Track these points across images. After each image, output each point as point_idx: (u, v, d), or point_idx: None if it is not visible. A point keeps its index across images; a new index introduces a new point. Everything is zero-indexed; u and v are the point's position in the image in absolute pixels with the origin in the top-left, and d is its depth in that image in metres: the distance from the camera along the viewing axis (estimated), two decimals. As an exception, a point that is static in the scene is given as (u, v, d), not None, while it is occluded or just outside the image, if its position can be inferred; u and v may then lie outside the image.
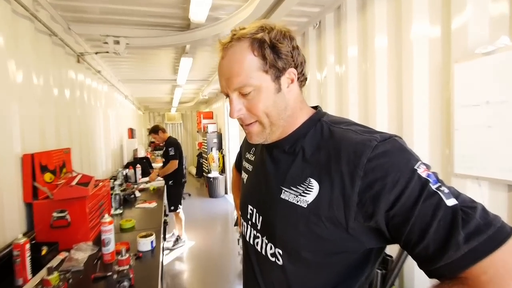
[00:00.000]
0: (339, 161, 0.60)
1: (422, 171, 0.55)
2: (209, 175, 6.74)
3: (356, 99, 2.04)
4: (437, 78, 1.46)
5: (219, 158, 7.11)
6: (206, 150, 7.33)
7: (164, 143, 4.11)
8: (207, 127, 7.39)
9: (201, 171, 8.33)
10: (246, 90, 0.65)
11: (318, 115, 0.72)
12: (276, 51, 0.65)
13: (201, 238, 4.42)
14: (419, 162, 0.56)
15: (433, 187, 0.54)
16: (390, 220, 0.56)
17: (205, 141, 7.38)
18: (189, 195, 6.92)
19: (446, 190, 0.55)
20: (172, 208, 4.01)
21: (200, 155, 8.50)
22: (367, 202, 0.57)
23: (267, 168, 0.76)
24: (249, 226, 0.79)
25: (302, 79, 0.71)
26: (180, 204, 4.11)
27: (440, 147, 1.47)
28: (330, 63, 2.32)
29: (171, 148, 3.93)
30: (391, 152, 0.57)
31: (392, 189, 0.55)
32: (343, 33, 2.12)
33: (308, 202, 0.63)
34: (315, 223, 0.62)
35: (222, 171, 7.02)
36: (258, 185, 0.78)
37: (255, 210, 0.77)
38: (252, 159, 0.86)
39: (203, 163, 7.93)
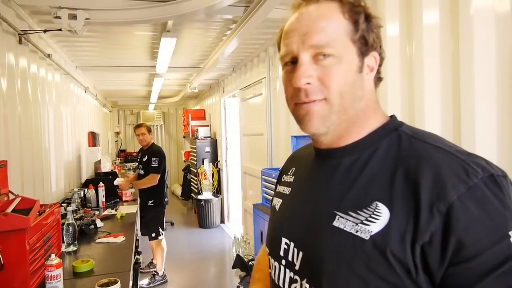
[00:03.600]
0: (420, 185, 0.62)
1: None
2: (200, 196, 6.78)
3: (396, 94, 2.04)
4: (506, 67, 1.45)
5: (213, 174, 7.14)
6: (195, 163, 7.39)
7: (146, 149, 4.46)
8: (197, 131, 7.46)
9: (188, 191, 8.37)
10: (327, 51, 0.69)
11: (394, 123, 0.76)
12: (369, 21, 0.72)
13: (187, 285, 4.42)
14: None
15: None
16: (446, 277, 0.59)
17: (194, 150, 7.44)
18: (172, 224, 6.95)
19: None
20: (154, 235, 4.33)
21: (187, 169, 8.56)
22: (434, 246, 0.59)
23: (316, 186, 0.79)
24: (282, 267, 0.80)
25: (380, 72, 0.78)
26: (163, 229, 4.42)
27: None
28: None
29: (155, 159, 4.23)
30: (490, 202, 0.58)
31: (468, 246, 0.57)
32: (381, 4, 2.12)
33: (372, 233, 0.64)
34: (380, 263, 0.63)
35: (217, 191, 7.05)
36: (298, 210, 0.80)
37: (292, 244, 0.78)
38: (291, 180, 0.90)
39: (192, 180, 7.97)
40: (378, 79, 0.78)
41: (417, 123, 1.87)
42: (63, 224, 2.36)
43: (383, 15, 2.10)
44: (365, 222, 0.65)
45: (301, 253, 0.75)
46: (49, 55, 3.45)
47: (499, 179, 0.60)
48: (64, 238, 2.36)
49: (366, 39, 0.71)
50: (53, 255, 1.52)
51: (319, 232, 0.72)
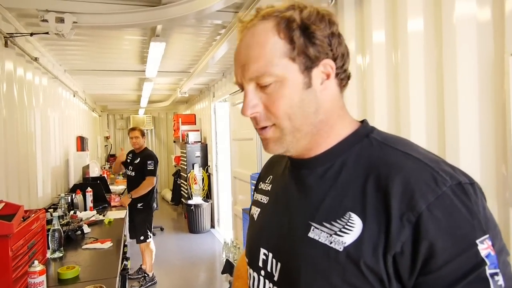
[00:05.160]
0: (390, 194, 0.62)
1: (483, 248, 0.57)
2: (190, 201, 6.76)
3: (383, 100, 2.06)
4: (488, 74, 1.49)
5: (203, 179, 7.13)
6: (185, 168, 7.37)
7: (139, 152, 4.55)
8: (187, 136, 7.44)
9: (178, 196, 8.34)
10: (266, 80, 0.68)
11: (365, 129, 0.76)
12: (308, 34, 0.68)
13: (176, 291, 4.40)
14: (486, 236, 0.58)
15: (488, 272, 0.56)
16: (416, 287, 0.60)
17: (185, 155, 7.42)
18: (162, 229, 6.91)
19: (501, 282, 0.57)
20: (142, 238, 4.42)
21: (177, 174, 8.52)
22: (405, 256, 0.60)
23: (291, 196, 0.78)
24: (261, 278, 0.79)
25: (343, 76, 0.74)
26: (151, 232, 4.51)
27: (494, 165, 1.50)
28: (349, 52, 2.35)
29: (150, 162, 4.37)
30: (458, 210, 0.59)
31: (437, 255, 0.58)
32: (367, 12, 2.16)
33: (346, 245, 0.64)
34: (354, 274, 0.63)
35: (208, 196, 7.04)
36: (276, 220, 0.79)
37: (271, 254, 0.77)
38: (268, 188, 0.89)
39: (182, 185, 7.95)
40: (342, 80, 0.75)
41: (403, 128, 1.90)
42: (48, 230, 2.35)
43: (370, 22, 2.13)
44: (338, 233, 0.65)
45: (279, 264, 0.74)
46: (36, 59, 3.42)
47: (466, 187, 0.61)
48: (50, 244, 2.34)
49: (306, 53, 0.68)
50: (36, 262, 1.51)
51: (295, 243, 0.72)
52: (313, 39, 0.68)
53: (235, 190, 5.63)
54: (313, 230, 0.69)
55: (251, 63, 0.69)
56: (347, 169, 0.71)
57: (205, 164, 7.25)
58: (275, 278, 0.75)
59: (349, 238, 0.64)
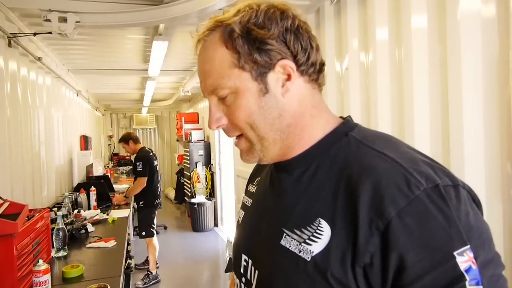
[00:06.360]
0: (358, 199, 0.57)
1: (463, 261, 0.51)
2: (193, 200, 6.76)
3: (386, 97, 2.06)
4: (492, 71, 1.48)
5: (206, 177, 7.13)
6: (188, 166, 7.37)
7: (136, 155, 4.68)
8: (190, 134, 7.44)
9: (181, 194, 8.35)
10: (221, 93, 0.67)
11: (345, 127, 0.70)
12: (252, 40, 0.64)
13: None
14: (466, 247, 0.52)
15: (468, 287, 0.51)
16: None
17: (188, 154, 7.42)
18: (165, 227, 6.92)
19: None
20: (144, 233, 4.54)
21: (180, 173, 8.54)
22: (374, 268, 0.55)
23: (269, 200, 0.75)
24: (242, 285, 0.76)
25: (310, 72, 0.68)
26: (153, 228, 4.61)
27: (499, 162, 1.49)
28: (353, 49, 2.35)
29: (139, 163, 4.47)
30: (433, 217, 0.53)
31: (409, 269, 0.53)
32: (370, 9, 2.15)
33: (313, 254, 0.60)
34: (323, 286, 0.58)
35: (211, 195, 7.04)
36: (255, 225, 0.77)
37: (250, 261, 0.74)
38: (253, 190, 0.86)
39: (185, 183, 7.96)
40: (310, 75, 0.69)
41: (406, 126, 1.89)
42: (53, 229, 2.35)
43: (373, 19, 2.12)
44: (307, 241, 0.61)
45: (257, 272, 0.71)
46: (39, 58, 3.43)
47: (445, 190, 0.55)
48: (54, 243, 2.34)
49: (253, 61, 0.64)
50: (41, 261, 1.52)
51: (269, 251, 0.68)
52: (258, 44, 0.64)
53: (238, 189, 5.63)
54: (285, 237, 0.65)
55: (206, 78, 0.68)
56: (323, 172, 0.66)
57: (208, 163, 7.25)
58: (253, 287, 0.72)
59: (317, 247, 0.60)
